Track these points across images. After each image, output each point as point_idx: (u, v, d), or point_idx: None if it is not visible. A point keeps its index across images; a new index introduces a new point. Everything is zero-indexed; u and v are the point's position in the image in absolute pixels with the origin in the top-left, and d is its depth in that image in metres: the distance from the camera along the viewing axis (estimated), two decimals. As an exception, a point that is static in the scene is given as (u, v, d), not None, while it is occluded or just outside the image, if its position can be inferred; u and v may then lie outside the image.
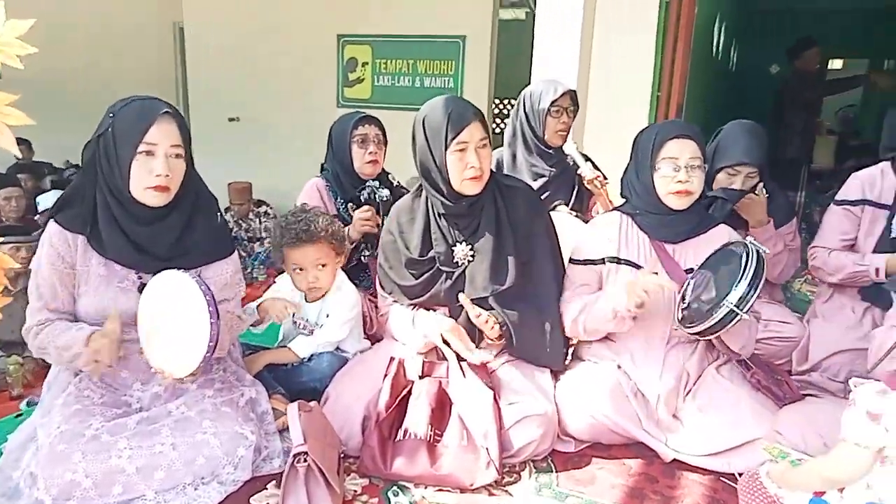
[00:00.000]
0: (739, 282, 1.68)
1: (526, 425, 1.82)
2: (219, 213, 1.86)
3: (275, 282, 2.37)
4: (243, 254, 4.33)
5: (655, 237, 2.01)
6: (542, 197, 2.61)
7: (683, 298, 1.87)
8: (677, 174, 1.90)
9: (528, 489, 1.76)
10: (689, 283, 1.89)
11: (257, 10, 5.42)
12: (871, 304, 2.30)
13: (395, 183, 2.83)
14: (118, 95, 1.70)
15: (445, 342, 1.94)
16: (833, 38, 6.39)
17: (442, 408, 1.84)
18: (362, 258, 2.65)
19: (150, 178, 1.62)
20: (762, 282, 1.69)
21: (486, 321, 1.92)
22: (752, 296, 1.68)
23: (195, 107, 5.87)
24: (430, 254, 2.01)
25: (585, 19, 3.00)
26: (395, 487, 1.75)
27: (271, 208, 4.94)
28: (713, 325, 1.74)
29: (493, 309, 1.97)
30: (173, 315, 1.59)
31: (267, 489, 1.70)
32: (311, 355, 2.17)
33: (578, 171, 2.71)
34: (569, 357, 2.13)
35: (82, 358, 1.60)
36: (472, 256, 1.98)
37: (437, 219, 2.01)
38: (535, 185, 2.64)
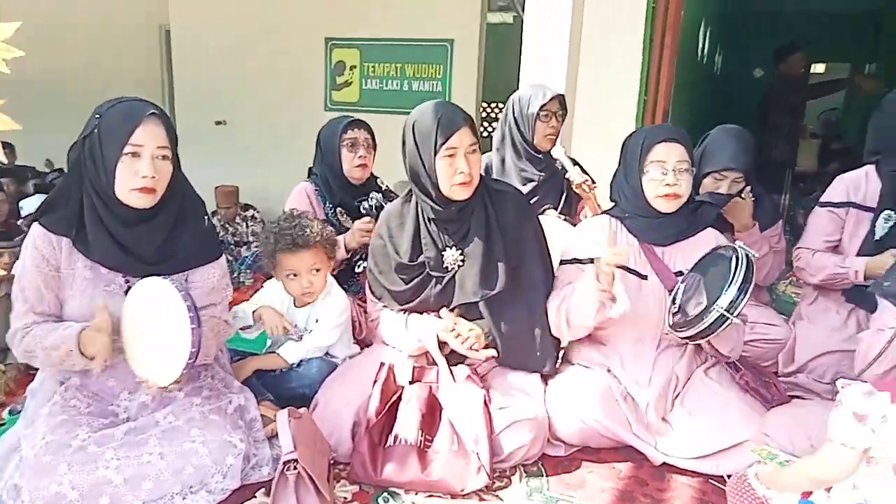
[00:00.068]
0: (730, 286, 1.69)
1: (516, 430, 1.82)
2: (206, 217, 1.85)
3: (262, 286, 2.36)
4: (230, 258, 4.30)
5: (644, 240, 2.02)
6: (532, 201, 2.61)
7: (674, 302, 1.88)
8: (665, 177, 1.91)
9: (519, 494, 1.76)
10: (679, 288, 1.90)
11: (244, 13, 5.40)
12: (856, 306, 2.32)
13: (384, 187, 2.82)
14: (103, 98, 1.68)
15: (441, 345, 1.93)
16: (816, 43, 6.47)
17: (432, 413, 1.84)
18: (355, 268, 2.63)
19: (135, 179, 1.60)
20: (752, 286, 1.70)
21: (472, 345, 1.90)
22: (743, 300, 1.69)
23: (181, 110, 5.83)
24: (420, 259, 2.01)
25: (574, 23, 3.01)
26: (385, 494, 1.74)
27: (258, 212, 4.92)
28: (704, 329, 1.75)
29: (481, 316, 1.97)
30: (154, 322, 1.57)
31: (256, 497, 1.69)
32: (301, 361, 2.16)
33: (567, 176, 2.72)
34: (558, 361, 2.14)
35: (76, 357, 1.58)
36: (462, 261, 1.98)
37: (427, 223, 2.01)
38: (525, 189, 2.64)
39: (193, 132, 5.45)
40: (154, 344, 1.57)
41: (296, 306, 2.23)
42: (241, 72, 5.52)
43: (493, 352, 1.93)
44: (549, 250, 2.11)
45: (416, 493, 1.73)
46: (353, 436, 1.84)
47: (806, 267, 2.39)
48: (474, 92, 4.92)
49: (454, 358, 1.99)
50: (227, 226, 4.68)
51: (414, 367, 1.93)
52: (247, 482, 1.70)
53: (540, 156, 2.71)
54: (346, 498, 1.72)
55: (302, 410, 1.78)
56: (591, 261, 2.01)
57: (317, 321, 2.20)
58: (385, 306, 2.12)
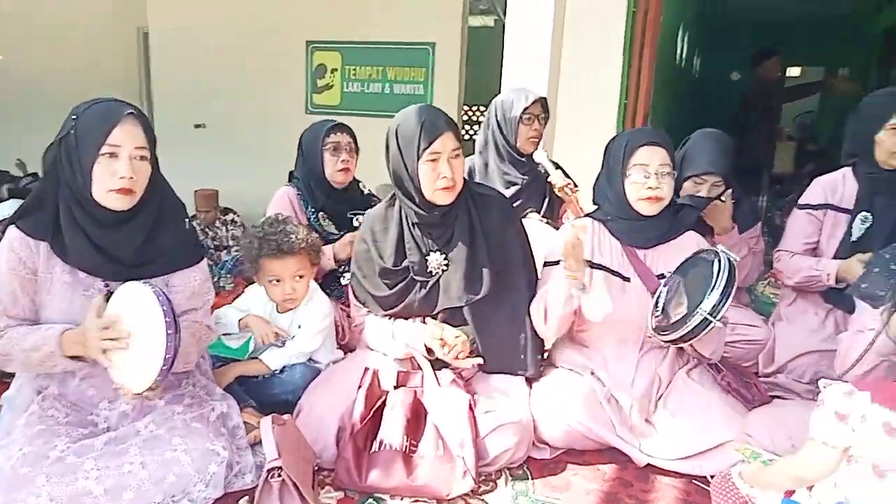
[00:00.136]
0: (712, 290, 1.71)
1: (501, 433, 1.82)
2: (187, 219, 1.82)
3: (243, 291, 2.33)
4: (210, 262, 4.25)
5: (627, 243, 2.04)
6: (515, 204, 2.62)
7: (656, 306, 1.89)
8: (648, 181, 1.92)
9: (505, 497, 1.76)
10: (661, 291, 1.91)
11: (224, 16, 5.35)
12: (834, 307, 2.36)
13: (367, 191, 2.81)
14: (79, 101, 1.65)
15: (428, 350, 1.93)
16: (791, 47, 6.58)
17: (417, 418, 1.83)
18: (341, 280, 2.62)
19: (113, 180, 1.57)
20: (734, 290, 1.72)
21: (458, 353, 1.90)
22: (725, 304, 1.71)
23: (160, 113, 5.76)
24: (404, 263, 2.00)
25: (555, 27, 3.03)
26: (370, 500, 1.73)
27: (238, 216, 4.86)
28: (687, 333, 1.76)
29: (465, 321, 1.97)
30: (133, 328, 1.54)
31: (240, 505, 1.67)
32: (284, 367, 2.14)
33: (549, 179, 2.73)
34: (542, 364, 2.14)
35: (57, 358, 1.55)
36: (447, 266, 1.98)
37: (411, 228, 2.00)
38: (508, 192, 2.65)
39: (172, 135, 5.38)
40: (131, 350, 1.53)
41: (278, 312, 2.22)
42: (221, 75, 5.47)
43: (479, 360, 1.93)
44: (532, 254, 2.12)
45: (402, 499, 1.73)
46: (338, 441, 1.82)
47: (784, 269, 2.43)
48: (456, 95, 4.92)
49: (439, 362, 1.99)
50: (206, 230, 4.62)
51: (399, 372, 1.92)
52: (230, 490, 1.68)
53: (523, 159, 2.72)
54: (330, 504, 1.71)
55: (286, 417, 1.77)
56: None
57: (300, 327, 2.18)
58: (369, 311, 2.11)
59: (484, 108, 2.79)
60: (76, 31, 6.47)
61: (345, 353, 2.31)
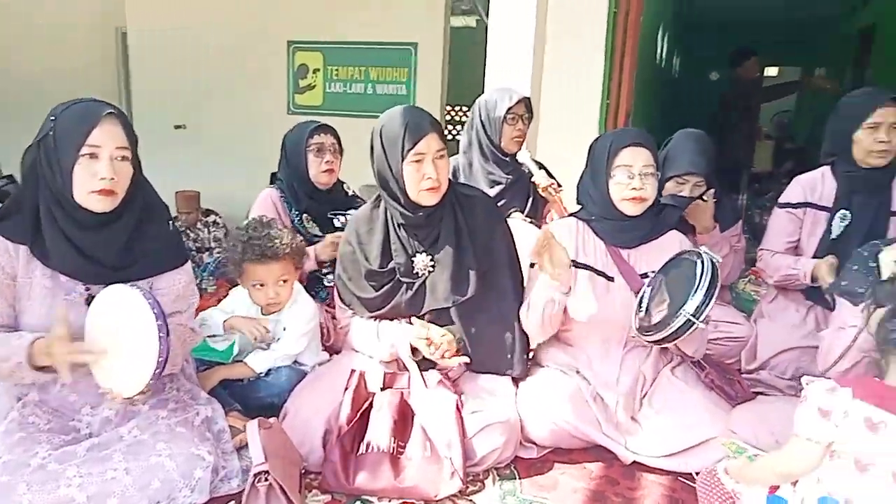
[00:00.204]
0: (696, 292, 1.72)
1: (489, 433, 1.82)
2: (170, 221, 1.80)
3: (227, 293, 2.31)
4: (192, 264, 4.21)
5: (611, 242, 2.05)
6: (499, 204, 2.62)
7: (640, 306, 1.91)
8: (632, 181, 1.94)
9: (493, 497, 1.76)
10: (644, 291, 1.93)
11: (204, 15, 5.30)
12: (814, 304, 2.40)
13: (351, 192, 2.80)
14: (56, 103, 1.63)
15: (413, 351, 1.93)
16: (768, 48, 6.69)
17: (404, 419, 1.83)
18: (325, 281, 2.60)
19: (93, 181, 1.55)
20: (717, 291, 1.74)
21: (444, 352, 1.90)
22: (708, 305, 1.72)
23: (139, 114, 5.69)
24: (390, 265, 2.00)
25: (538, 27, 3.04)
26: (358, 502, 1.72)
27: (220, 217, 4.83)
28: (671, 334, 1.78)
29: (452, 322, 1.97)
30: (120, 332, 1.52)
31: (226, 510, 1.66)
32: (269, 370, 2.12)
33: (533, 179, 2.74)
34: (528, 364, 2.15)
35: (25, 370, 1.51)
36: (433, 267, 1.98)
37: (397, 229, 2.00)
38: (492, 192, 2.66)
39: (152, 137, 5.31)
40: (120, 354, 1.52)
41: (263, 314, 2.20)
42: (201, 75, 5.42)
43: (465, 359, 1.93)
44: (517, 254, 2.12)
45: (390, 501, 1.72)
46: (324, 444, 1.81)
47: (765, 268, 2.47)
48: (439, 95, 4.92)
49: (425, 363, 1.99)
50: (188, 231, 4.59)
51: (385, 374, 1.91)
52: (216, 495, 1.66)
53: (507, 159, 2.73)
54: (318, 508, 1.70)
55: (272, 420, 1.76)
56: None
57: (284, 329, 2.17)
58: (354, 313, 2.10)
59: (467, 109, 2.80)
60: (53, 32, 6.37)
61: (330, 356, 2.29)
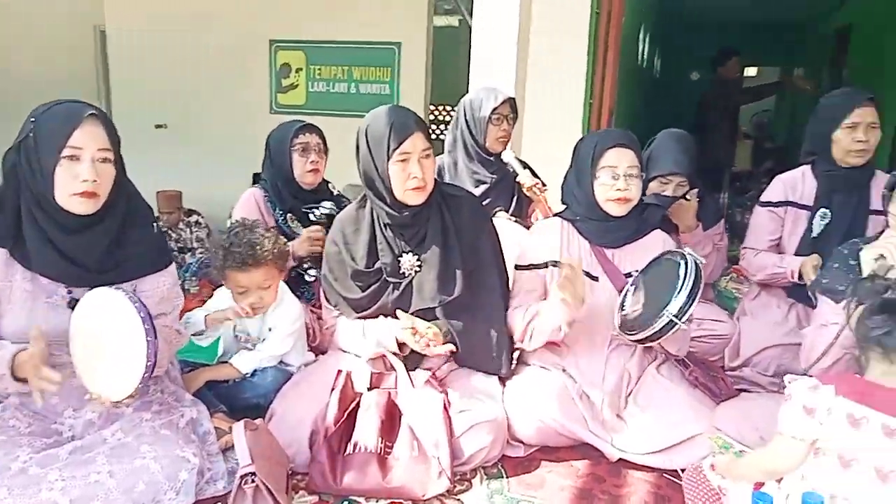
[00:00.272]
0: (679, 292, 1.74)
1: (476, 432, 1.82)
2: (154, 223, 1.78)
3: (210, 293, 2.29)
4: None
5: (596, 243, 2.06)
6: (484, 204, 2.62)
7: (623, 306, 1.92)
8: (616, 182, 1.95)
9: (480, 496, 1.76)
10: (628, 291, 1.94)
11: (184, 14, 5.25)
12: (796, 302, 2.43)
13: (336, 192, 2.79)
14: (34, 104, 1.60)
15: (400, 346, 1.92)
16: (748, 48, 6.77)
17: (391, 419, 1.82)
18: (306, 276, 2.58)
19: (75, 183, 1.53)
20: (700, 292, 1.75)
21: (429, 341, 1.90)
22: (691, 306, 1.74)
23: (119, 114, 5.60)
24: (377, 265, 1.99)
25: (521, 27, 3.05)
26: (345, 503, 1.72)
27: (202, 217, 4.78)
28: (653, 333, 1.80)
29: (437, 319, 1.97)
30: (107, 335, 1.51)
31: (212, 513, 1.65)
32: (254, 370, 2.11)
33: (517, 179, 2.75)
34: (513, 362, 2.16)
35: (8, 381, 1.50)
36: (419, 267, 1.98)
37: (383, 229, 1.99)
38: (477, 192, 2.67)
39: (132, 136, 5.23)
40: (107, 358, 1.50)
41: (248, 316, 2.18)
42: (182, 74, 5.36)
43: (451, 346, 1.92)
44: (503, 253, 2.13)
45: (378, 501, 1.72)
46: (311, 445, 1.80)
47: (749, 266, 2.50)
48: (422, 95, 4.92)
49: (412, 362, 1.99)
50: (170, 231, 4.53)
51: (372, 374, 1.91)
52: (201, 498, 1.64)
53: (491, 158, 2.74)
54: (305, 509, 1.69)
55: (258, 421, 1.74)
56: (546, 265, 2.04)
57: (270, 330, 2.15)
58: (341, 314, 2.09)
59: (450, 108, 2.80)
60: (30, 30, 6.27)
61: (316, 356, 2.28)
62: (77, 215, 1.57)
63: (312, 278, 2.58)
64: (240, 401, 2.04)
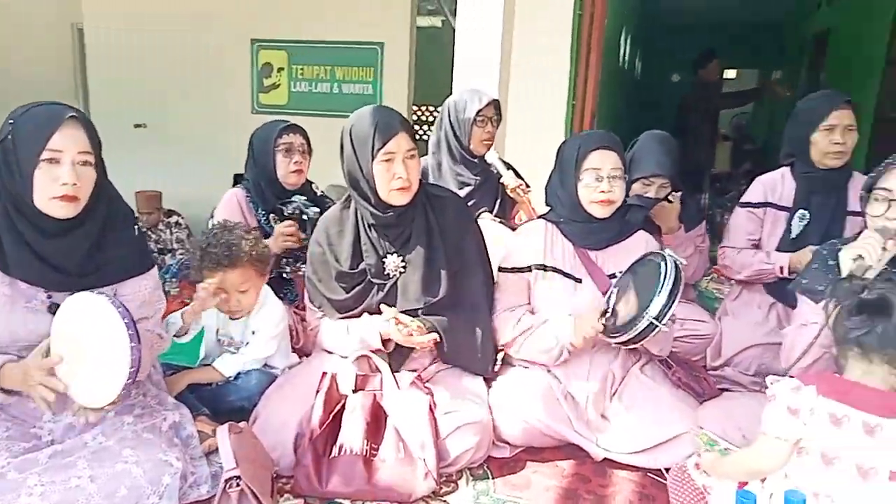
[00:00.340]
0: (659, 294, 1.76)
1: (462, 433, 1.83)
2: (136, 226, 1.76)
3: (190, 296, 2.26)
4: (154, 266, 4.11)
5: (579, 244, 2.07)
6: (468, 205, 2.63)
7: (607, 310, 1.93)
8: (600, 184, 1.96)
9: (466, 497, 1.76)
10: (611, 293, 1.96)
11: (164, 11, 5.18)
12: (776, 301, 2.46)
13: (320, 192, 2.77)
14: (9, 105, 1.57)
15: (385, 343, 1.93)
16: (727, 51, 6.85)
17: (377, 421, 1.82)
18: (283, 275, 2.57)
19: (55, 186, 1.50)
20: (680, 293, 1.77)
21: (413, 334, 1.89)
22: (671, 308, 1.76)
23: (97, 113, 5.52)
24: (361, 266, 1.99)
25: (505, 29, 3.06)
26: (331, 506, 1.71)
27: (183, 218, 4.73)
28: (635, 336, 1.81)
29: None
30: (89, 341, 1.48)
31: (196, 517, 1.63)
32: (238, 373, 2.09)
33: (501, 180, 2.76)
34: (498, 363, 2.16)
35: None
36: (404, 268, 1.97)
37: (367, 230, 1.99)
38: (461, 193, 2.66)
39: (111, 136, 5.16)
40: (88, 363, 1.47)
41: (231, 319, 2.16)
42: (162, 73, 5.29)
43: (434, 335, 1.91)
44: (488, 254, 2.13)
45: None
46: (296, 448, 1.79)
47: (731, 264, 2.52)
48: (405, 95, 4.91)
49: (396, 362, 1.98)
50: (149, 232, 4.48)
51: (357, 376, 1.90)
52: (185, 502, 1.63)
53: (475, 160, 2.74)
54: (290, 512, 1.68)
55: (242, 424, 1.73)
56: (531, 269, 2.05)
57: (253, 333, 2.14)
58: (325, 315, 2.08)
59: (432, 108, 2.80)
60: (4, 28, 6.16)
61: (300, 358, 2.27)
62: (56, 219, 1.54)
63: (289, 275, 2.56)
64: (224, 404, 2.02)
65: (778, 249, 2.42)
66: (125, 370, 1.44)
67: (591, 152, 1.98)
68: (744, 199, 2.54)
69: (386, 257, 1.98)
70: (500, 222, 2.77)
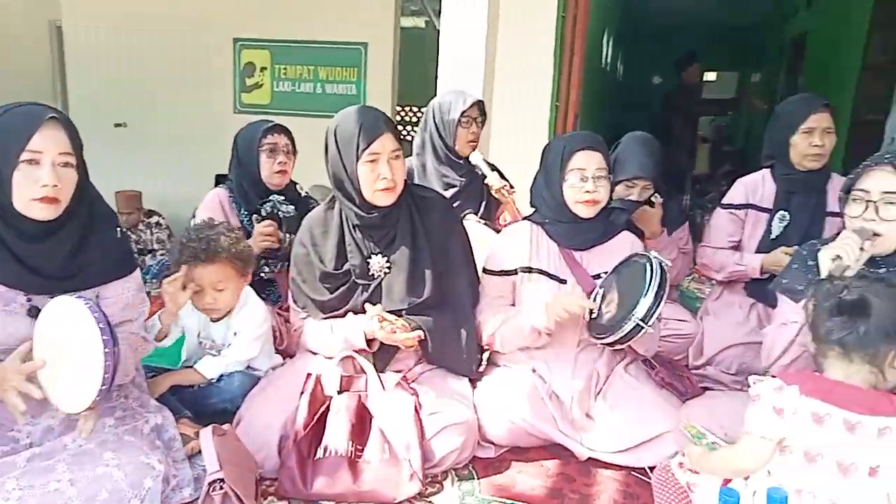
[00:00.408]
0: (645, 295, 1.77)
1: (447, 434, 1.82)
2: (118, 228, 1.73)
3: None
4: (135, 268, 4.07)
5: (564, 245, 2.08)
6: (453, 206, 2.63)
7: (593, 311, 1.94)
8: (585, 185, 1.97)
9: (452, 498, 1.76)
10: (597, 293, 1.97)
11: (144, 9, 5.11)
12: (757, 302, 2.49)
13: (304, 193, 2.76)
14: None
15: (369, 343, 1.92)
16: (707, 53, 6.94)
17: (362, 422, 1.81)
18: (262, 275, 2.55)
19: (35, 188, 1.48)
20: (665, 295, 1.79)
21: (397, 332, 1.88)
22: (657, 309, 1.77)
23: (76, 112, 5.44)
24: (346, 267, 1.98)
25: (489, 31, 3.07)
26: (315, 508, 1.70)
27: (164, 218, 4.68)
28: (621, 337, 1.82)
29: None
30: (68, 345, 1.45)
31: (178, 520, 1.61)
32: (221, 375, 2.07)
33: (486, 181, 2.77)
34: (483, 363, 2.16)
35: None
36: (389, 268, 1.97)
37: (352, 230, 1.98)
38: (447, 194, 2.66)
39: (90, 135, 5.08)
40: (68, 367, 1.45)
41: (212, 320, 2.14)
42: (143, 72, 5.22)
43: (419, 332, 1.90)
44: (473, 255, 2.13)
45: (349, 505, 1.70)
46: (280, 450, 1.78)
47: (710, 264, 2.56)
48: (389, 96, 4.90)
49: (381, 362, 1.97)
50: (129, 233, 4.43)
51: (342, 377, 1.89)
52: (167, 505, 1.62)
53: (460, 161, 2.74)
54: (275, 515, 1.67)
55: (225, 427, 1.71)
56: (516, 272, 2.05)
57: (235, 334, 2.12)
58: (309, 316, 2.07)
59: (416, 109, 2.80)
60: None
61: (284, 359, 2.25)
62: (37, 221, 1.52)
63: (268, 275, 2.55)
64: (206, 406, 2.00)
65: (758, 250, 2.45)
66: (98, 377, 1.41)
67: (577, 153, 2.00)
68: (725, 200, 2.57)
69: (370, 258, 1.97)
70: (485, 223, 2.77)
